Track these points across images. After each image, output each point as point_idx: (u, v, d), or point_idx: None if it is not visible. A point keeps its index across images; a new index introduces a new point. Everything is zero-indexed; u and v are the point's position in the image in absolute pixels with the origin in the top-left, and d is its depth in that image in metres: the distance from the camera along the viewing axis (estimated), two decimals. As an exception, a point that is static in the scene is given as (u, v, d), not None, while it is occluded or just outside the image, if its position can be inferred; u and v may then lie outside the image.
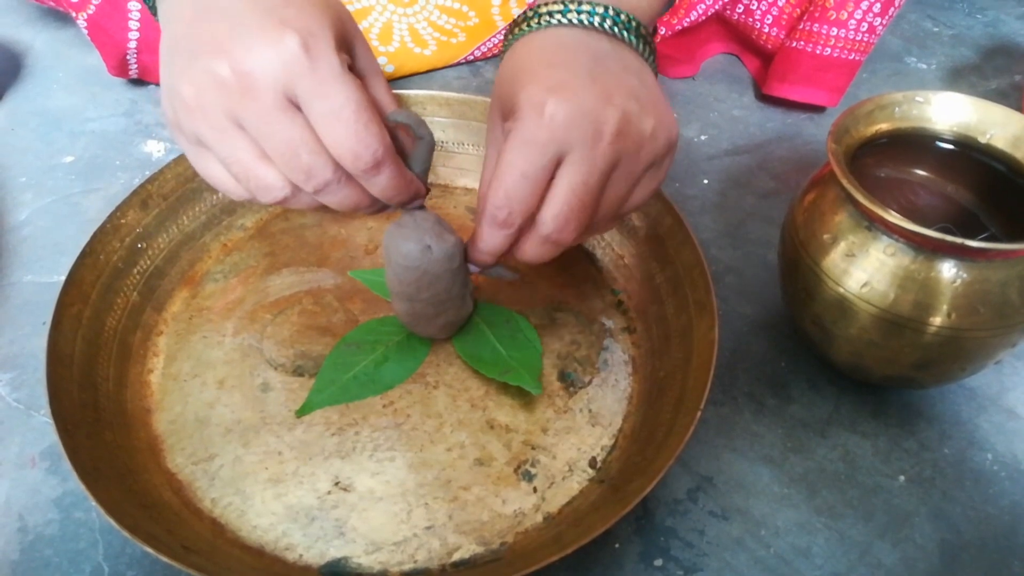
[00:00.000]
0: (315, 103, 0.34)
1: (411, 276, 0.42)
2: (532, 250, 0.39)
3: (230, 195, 0.39)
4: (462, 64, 0.74)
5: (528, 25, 0.41)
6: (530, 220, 0.38)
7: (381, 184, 0.37)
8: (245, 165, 0.36)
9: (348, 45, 0.38)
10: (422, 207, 0.42)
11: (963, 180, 0.47)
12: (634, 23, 0.41)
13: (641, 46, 0.41)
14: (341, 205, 0.38)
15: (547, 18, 0.40)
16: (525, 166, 0.36)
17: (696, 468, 0.45)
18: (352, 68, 0.39)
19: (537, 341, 0.48)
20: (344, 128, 0.34)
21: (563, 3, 0.40)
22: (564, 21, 0.40)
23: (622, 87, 0.38)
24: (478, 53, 0.74)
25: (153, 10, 0.41)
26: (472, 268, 0.43)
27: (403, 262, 0.41)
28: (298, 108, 0.34)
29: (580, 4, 0.40)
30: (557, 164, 0.37)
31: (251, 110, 0.34)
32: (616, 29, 0.40)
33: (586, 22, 0.40)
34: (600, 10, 0.40)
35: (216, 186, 0.38)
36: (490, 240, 0.39)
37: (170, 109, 0.36)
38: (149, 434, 0.44)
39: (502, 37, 0.72)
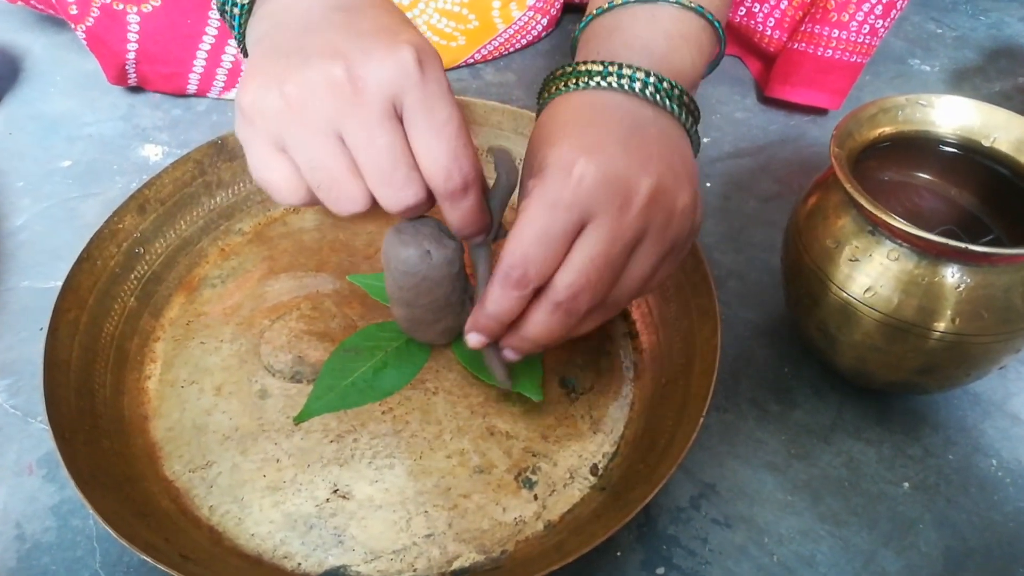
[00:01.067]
0: (421, 116, 0.34)
1: (410, 282, 0.41)
2: (540, 320, 0.36)
3: (284, 200, 0.37)
4: (462, 67, 0.74)
5: (565, 85, 0.39)
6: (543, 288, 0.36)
7: (462, 210, 0.36)
8: (332, 174, 0.35)
9: None
10: (484, 241, 0.40)
11: (967, 184, 0.47)
12: (677, 91, 0.38)
13: (683, 115, 0.39)
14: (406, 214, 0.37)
15: (585, 79, 0.38)
16: (546, 226, 0.34)
17: (699, 475, 0.45)
18: None
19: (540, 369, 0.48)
20: (445, 145, 0.34)
21: (603, 65, 0.38)
22: (603, 84, 0.38)
23: (659, 156, 0.36)
24: (478, 56, 0.73)
25: (239, 33, 0.39)
26: (471, 340, 0.38)
27: (402, 268, 0.41)
28: (400, 122, 0.34)
29: (621, 68, 0.38)
30: (581, 228, 0.35)
31: (357, 115, 0.33)
32: (658, 97, 0.38)
33: (627, 87, 0.38)
34: (641, 75, 0.38)
35: (272, 190, 0.37)
36: (500, 302, 0.36)
37: (252, 106, 0.35)
38: (146, 441, 0.44)
39: (504, 39, 0.72)
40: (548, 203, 0.34)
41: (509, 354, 0.39)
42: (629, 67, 0.38)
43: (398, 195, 0.35)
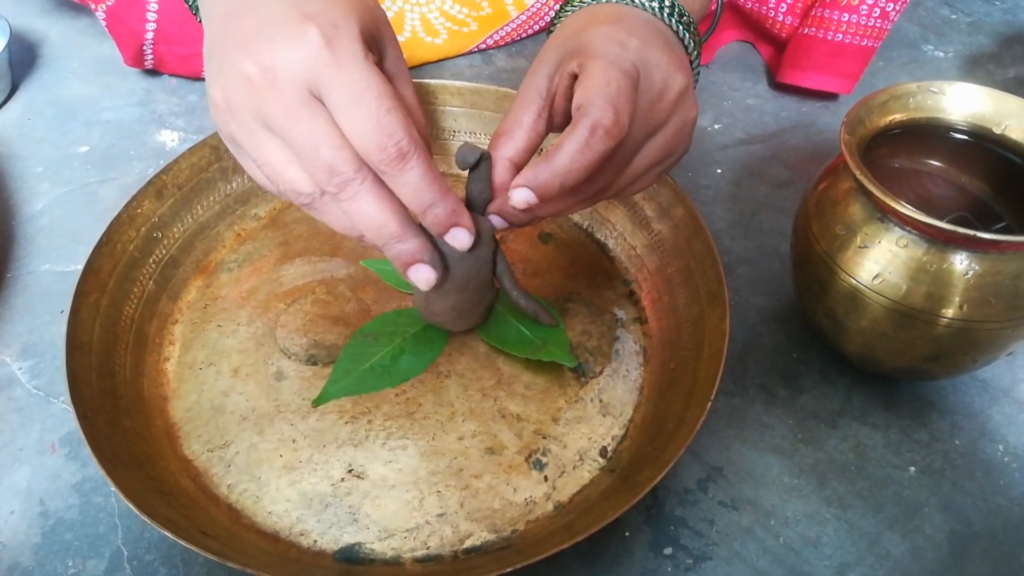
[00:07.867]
0: (335, 92, 0.33)
1: (465, 265, 0.41)
2: (576, 147, 0.34)
3: (269, 191, 0.39)
4: (474, 52, 0.74)
5: None
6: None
7: (411, 183, 0.35)
8: (274, 166, 0.35)
9: (378, 44, 0.38)
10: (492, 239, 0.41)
11: (977, 171, 0.47)
12: (693, 25, 0.41)
13: (694, 50, 0.42)
14: (367, 219, 0.36)
15: None
16: (626, 81, 0.35)
17: (706, 458, 0.46)
18: (380, 68, 0.38)
19: (558, 317, 0.48)
20: (365, 114, 0.33)
21: None
22: (636, 3, 0.40)
23: (686, 67, 0.39)
24: (490, 42, 0.73)
25: (194, 10, 0.41)
26: (504, 205, 0.38)
27: (456, 254, 0.40)
28: (322, 103, 0.34)
29: None
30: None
31: (274, 105, 0.34)
32: (678, 25, 0.41)
33: (656, 11, 0.40)
34: (668, 3, 0.40)
35: (257, 183, 0.38)
36: (584, 155, 0.34)
37: (212, 111, 0.36)
38: (166, 421, 0.45)
39: (516, 25, 0.73)
40: (611, 63, 0.36)
41: (497, 220, 0.39)
42: None
43: (330, 178, 0.34)
